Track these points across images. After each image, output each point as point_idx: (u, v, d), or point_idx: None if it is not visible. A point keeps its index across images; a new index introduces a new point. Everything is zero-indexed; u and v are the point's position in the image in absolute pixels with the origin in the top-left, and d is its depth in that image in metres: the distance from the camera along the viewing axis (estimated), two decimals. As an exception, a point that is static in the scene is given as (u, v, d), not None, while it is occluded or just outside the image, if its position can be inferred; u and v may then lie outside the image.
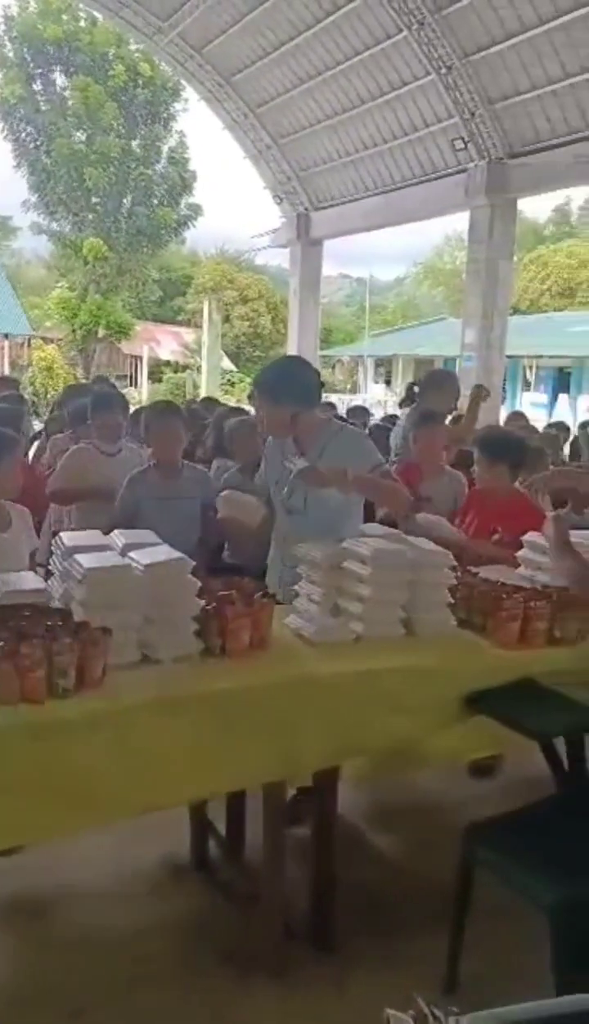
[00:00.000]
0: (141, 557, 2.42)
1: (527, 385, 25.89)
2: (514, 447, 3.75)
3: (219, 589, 2.59)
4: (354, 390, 31.08)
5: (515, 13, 10.52)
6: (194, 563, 2.47)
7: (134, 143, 23.45)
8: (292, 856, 2.57)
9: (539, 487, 3.39)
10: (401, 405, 5.59)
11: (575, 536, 3.04)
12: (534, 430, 7.00)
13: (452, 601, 2.83)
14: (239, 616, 2.45)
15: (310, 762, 2.50)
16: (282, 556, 3.15)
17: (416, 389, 5.29)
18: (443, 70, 11.58)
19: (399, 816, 3.34)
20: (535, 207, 37.54)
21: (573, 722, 2.48)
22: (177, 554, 2.48)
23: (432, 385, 5.17)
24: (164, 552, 2.50)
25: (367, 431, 6.30)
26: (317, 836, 2.59)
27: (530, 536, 3.23)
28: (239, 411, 5.73)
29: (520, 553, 3.25)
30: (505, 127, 11.73)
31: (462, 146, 12.04)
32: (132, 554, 2.45)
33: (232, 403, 9.98)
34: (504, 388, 23.12)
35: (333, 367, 34.10)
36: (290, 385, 3.10)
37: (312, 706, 2.42)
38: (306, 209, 16.28)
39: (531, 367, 25.39)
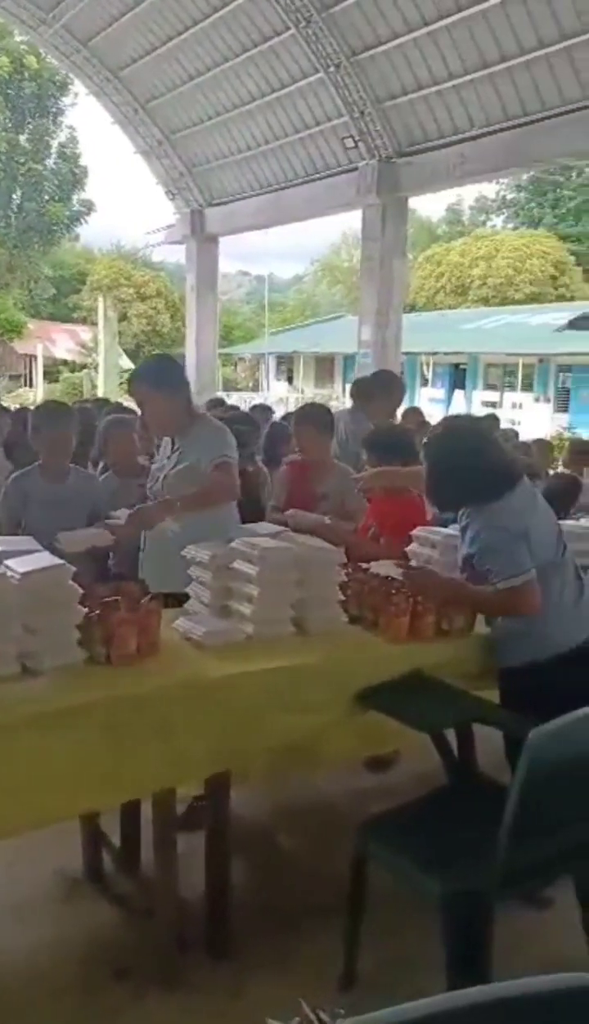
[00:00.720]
0: (17, 565, 2.33)
1: (425, 381, 26.41)
2: (401, 446, 3.77)
3: (103, 595, 2.52)
4: (256, 388, 31.08)
5: (400, 14, 10.67)
6: (75, 569, 2.39)
7: (22, 137, 22.89)
8: (190, 863, 2.54)
9: (363, 487, 3.44)
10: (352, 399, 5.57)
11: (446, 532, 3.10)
12: (429, 426, 7.12)
13: (343, 598, 2.85)
14: (124, 622, 2.40)
15: (203, 767, 2.46)
16: (148, 542, 3.19)
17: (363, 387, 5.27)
18: (331, 68, 11.66)
19: (297, 816, 3.33)
20: (428, 206, 38.44)
21: (461, 713, 2.52)
22: (57, 561, 2.41)
23: (380, 387, 5.14)
24: (44, 559, 2.42)
25: (268, 429, 6.28)
26: (210, 841, 2.55)
27: (419, 531, 3.27)
28: (130, 411, 5.61)
29: (410, 548, 3.28)
30: (394, 126, 11.90)
31: (352, 144, 12.15)
32: (8, 562, 2.36)
33: (131, 402, 9.78)
34: (402, 384, 23.54)
35: (234, 365, 34.00)
36: (178, 377, 3.17)
37: (203, 710, 2.38)
38: (200, 206, 16.15)
39: (428, 364, 25.93)
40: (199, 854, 2.58)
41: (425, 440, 3.22)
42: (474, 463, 2.69)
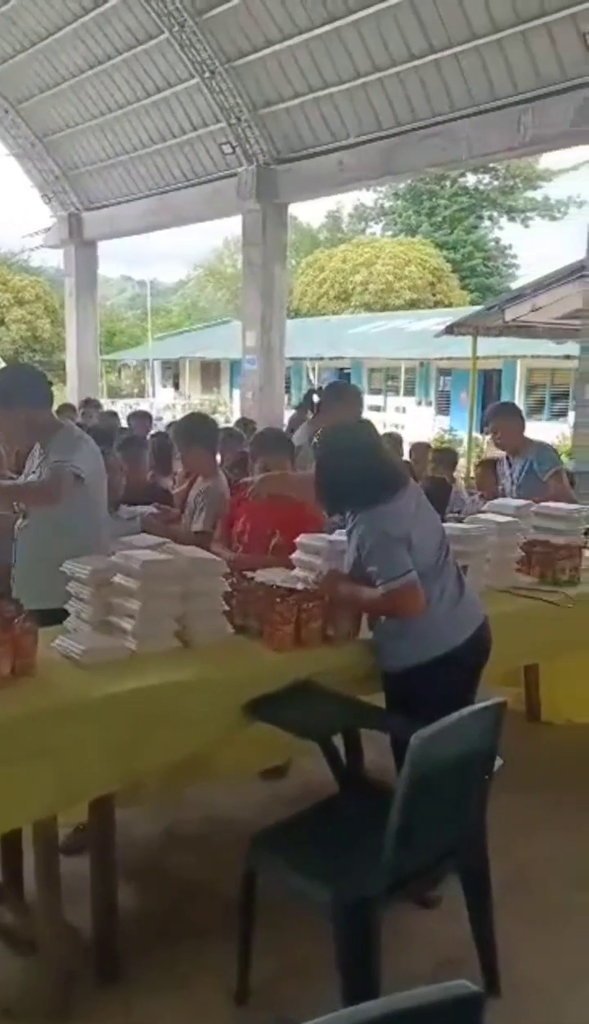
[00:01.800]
0: None
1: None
2: (288, 447, 3.78)
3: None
4: (142, 394, 30.69)
5: (273, 22, 10.76)
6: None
7: None
8: (77, 888, 2.45)
9: (253, 493, 3.43)
10: (299, 409, 5.42)
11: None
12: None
13: (227, 608, 2.82)
14: (-4, 643, 2.29)
15: (89, 790, 2.38)
16: (21, 557, 3.14)
17: (316, 398, 5.18)
18: (207, 74, 11.63)
19: (189, 833, 3.26)
20: (309, 212, 38.80)
21: (347, 719, 2.53)
22: None
23: (335, 397, 5.04)
24: None
25: (154, 439, 6.18)
26: (95, 865, 2.47)
27: (303, 538, 3.27)
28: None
29: (294, 555, 3.28)
30: (272, 133, 11.97)
31: (230, 151, 12.17)
32: None
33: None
34: (288, 389, 23.72)
35: (119, 371, 33.48)
36: (20, 389, 3.08)
37: (85, 731, 2.30)
38: (77, 209, 15.84)
39: (313, 369, 26.19)
40: (87, 878, 2.50)
41: (315, 443, 3.22)
42: (362, 467, 2.71)
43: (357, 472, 2.71)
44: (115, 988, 2.41)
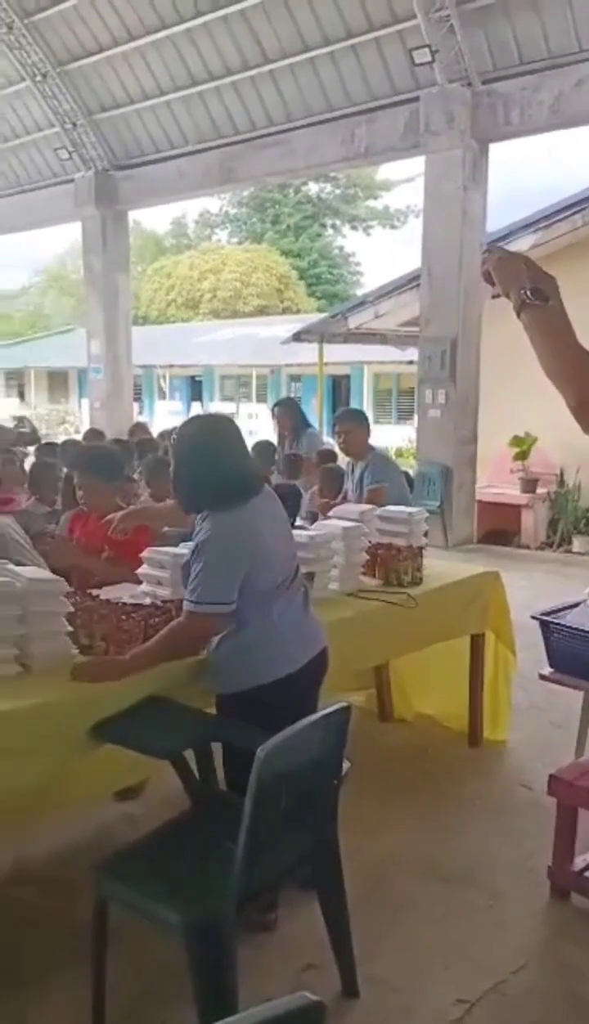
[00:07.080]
0: None
1: (163, 394, 26.43)
2: (108, 466, 3.66)
3: None
4: (-16, 404, 29.44)
5: (104, 26, 10.61)
6: None
7: None
8: None
9: (116, 528, 3.32)
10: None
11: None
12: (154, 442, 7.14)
13: (70, 629, 2.73)
14: None
15: None
16: None
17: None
18: (38, 77, 11.33)
19: (38, 864, 3.11)
20: (154, 219, 38.45)
21: (197, 735, 2.50)
22: None
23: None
24: None
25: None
26: None
27: (149, 552, 3.22)
28: None
29: (140, 570, 3.22)
30: (109, 139, 11.79)
31: (67, 156, 11.90)
32: None
33: None
34: (139, 397, 23.41)
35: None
36: None
37: None
38: None
39: (164, 377, 25.95)
40: None
41: (173, 436, 3.11)
42: (209, 466, 2.60)
43: (206, 470, 2.60)
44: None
